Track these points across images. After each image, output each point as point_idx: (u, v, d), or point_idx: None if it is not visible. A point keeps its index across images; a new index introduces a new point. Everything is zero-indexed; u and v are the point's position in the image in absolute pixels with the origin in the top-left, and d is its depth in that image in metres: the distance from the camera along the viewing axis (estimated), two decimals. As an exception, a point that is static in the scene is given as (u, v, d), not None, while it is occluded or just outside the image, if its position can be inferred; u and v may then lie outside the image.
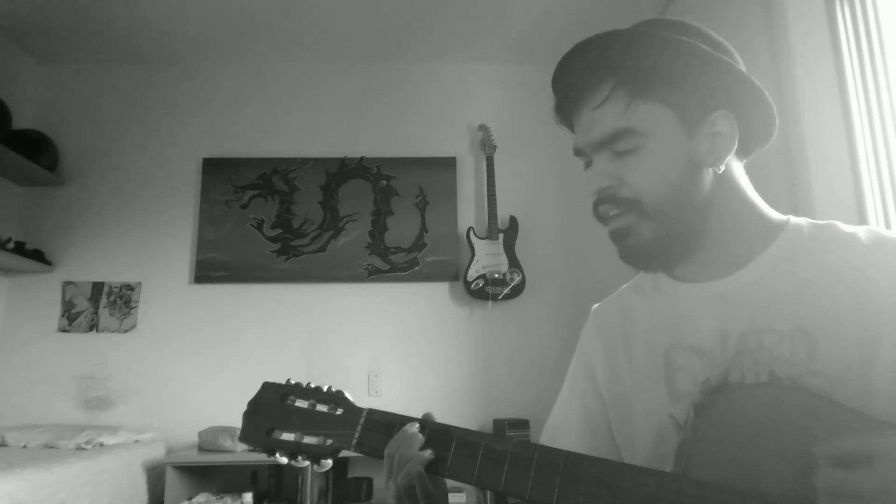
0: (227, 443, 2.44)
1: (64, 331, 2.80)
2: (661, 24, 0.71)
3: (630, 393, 0.74)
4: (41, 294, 2.83)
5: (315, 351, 2.82)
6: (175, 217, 2.94)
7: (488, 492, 2.50)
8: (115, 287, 2.85)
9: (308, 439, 0.69)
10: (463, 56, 3.11)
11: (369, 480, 2.51)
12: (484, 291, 2.79)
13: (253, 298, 2.86)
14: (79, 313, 2.82)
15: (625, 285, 0.83)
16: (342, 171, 3.01)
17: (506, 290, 2.81)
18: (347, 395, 0.72)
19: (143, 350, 2.79)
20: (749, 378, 0.62)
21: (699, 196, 0.67)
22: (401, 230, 2.95)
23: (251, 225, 2.92)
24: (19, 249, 2.67)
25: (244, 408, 0.73)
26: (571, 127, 0.75)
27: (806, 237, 0.68)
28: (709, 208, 0.68)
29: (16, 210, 2.91)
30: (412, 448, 0.63)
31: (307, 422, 0.70)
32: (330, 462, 0.69)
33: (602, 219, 0.72)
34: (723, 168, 0.68)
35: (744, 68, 0.69)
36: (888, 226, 1.57)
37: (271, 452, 0.69)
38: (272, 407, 0.72)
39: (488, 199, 2.92)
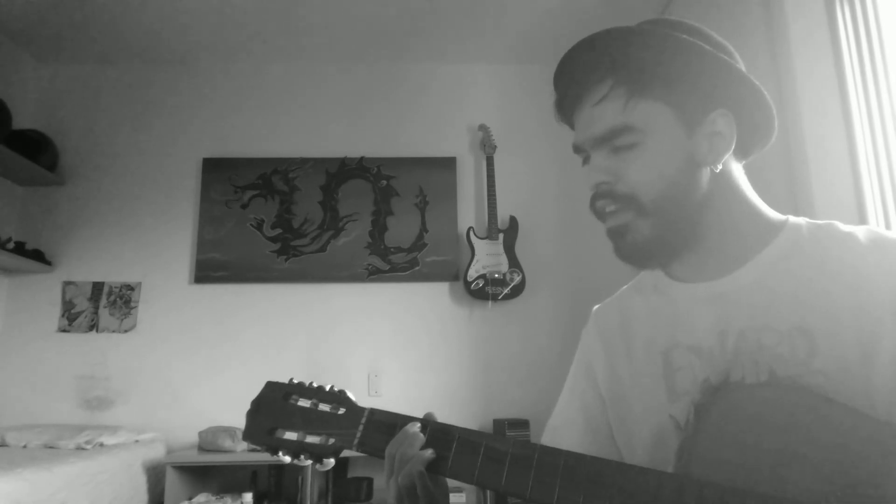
0: (227, 443, 2.44)
1: (64, 331, 2.80)
2: (662, 23, 0.71)
3: (629, 393, 0.74)
4: (41, 294, 2.83)
5: (315, 351, 2.82)
6: (175, 217, 2.94)
7: (488, 491, 2.50)
8: (115, 287, 2.85)
9: (311, 438, 0.69)
10: (463, 56, 3.11)
11: (369, 480, 2.51)
12: (484, 291, 2.79)
13: (253, 298, 2.87)
14: (79, 313, 2.82)
15: (625, 286, 0.83)
16: (342, 171, 3.01)
17: (506, 290, 2.81)
18: (349, 394, 0.72)
19: (143, 350, 2.79)
20: (749, 378, 0.63)
21: (697, 194, 0.67)
22: (401, 230, 2.95)
23: (251, 225, 2.93)
24: (19, 249, 2.67)
25: (244, 408, 0.73)
26: (572, 124, 0.75)
27: (805, 237, 0.68)
28: (706, 206, 0.68)
29: (16, 210, 2.91)
30: (413, 448, 0.63)
31: (310, 421, 0.70)
32: (332, 461, 0.69)
33: (599, 214, 0.72)
34: (720, 167, 0.68)
35: (744, 69, 0.69)
36: (888, 226, 1.58)
37: (274, 451, 0.69)
38: (275, 406, 0.72)
39: (488, 199, 2.92)
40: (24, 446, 2.28)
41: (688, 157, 0.67)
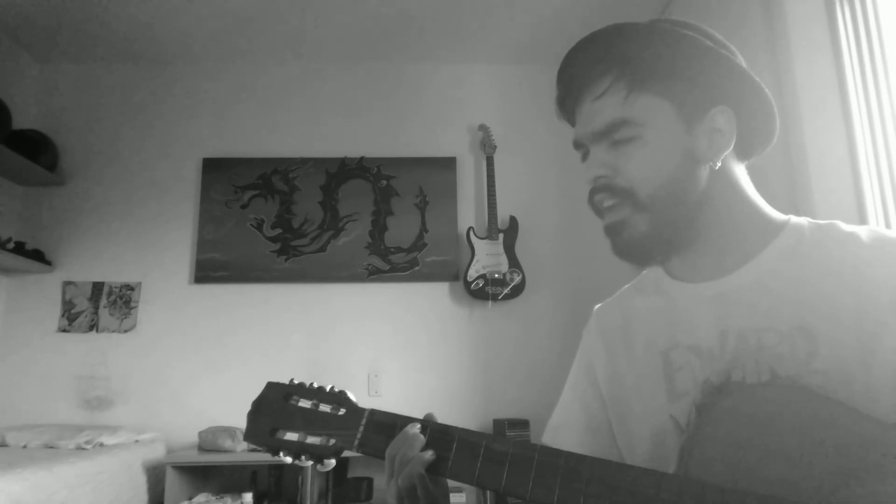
0: (227, 443, 2.44)
1: (64, 331, 2.80)
2: (665, 21, 0.71)
3: (630, 393, 0.74)
4: (41, 294, 2.83)
5: (315, 351, 2.82)
6: (175, 217, 2.94)
7: (489, 492, 2.50)
8: (115, 287, 2.85)
9: (311, 439, 0.69)
10: (463, 56, 3.11)
11: (369, 480, 2.51)
12: (484, 291, 2.79)
13: (253, 298, 2.87)
14: (79, 313, 2.82)
15: (627, 286, 0.83)
16: (342, 171, 3.01)
17: (506, 290, 2.81)
18: (350, 395, 0.72)
19: (143, 350, 2.79)
20: (750, 378, 0.62)
21: (695, 190, 0.67)
22: (401, 230, 2.95)
23: (251, 225, 2.92)
24: (19, 249, 2.67)
25: (244, 407, 0.73)
26: (573, 122, 0.75)
27: (806, 237, 0.68)
28: (705, 204, 0.68)
29: (16, 210, 2.91)
30: (413, 449, 0.63)
31: (310, 422, 0.70)
32: (333, 462, 0.69)
33: (597, 209, 0.72)
34: (720, 164, 0.68)
35: (746, 66, 0.69)
36: (888, 226, 1.58)
37: (275, 452, 0.69)
38: (276, 407, 0.72)
39: (488, 199, 2.92)
40: (24, 446, 2.28)
41: (687, 152, 0.67)
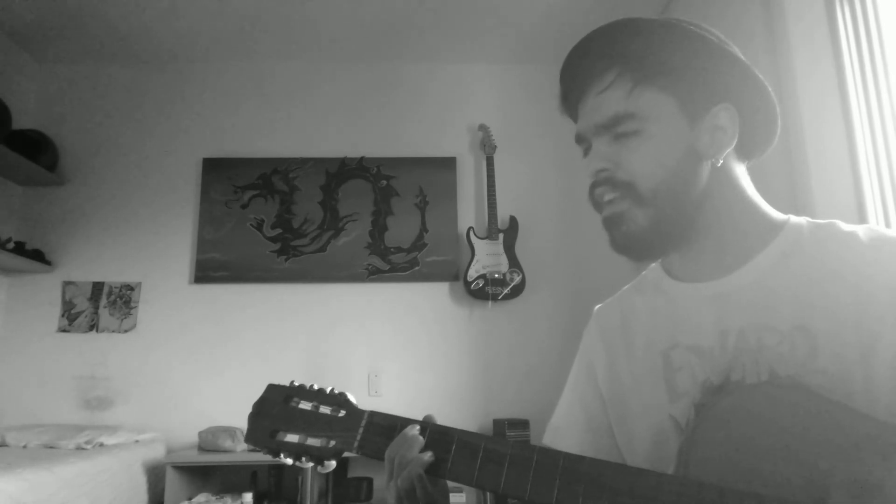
0: (227, 443, 2.44)
1: (64, 331, 2.80)
2: (671, 18, 0.71)
3: (630, 393, 0.74)
4: (41, 294, 2.83)
5: (315, 351, 2.82)
6: (175, 217, 2.94)
7: (488, 493, 2.50)
8: (115, 287, 2.85)
9: (312, 441, 0.69)
10: (463, 56, 3.11)
11: (369, 480, 2.51)
12: (484, 291, 2.79)
13: (253, 298, 2.87)
14: (79, 313, 2.82)
15: (627, 286, 0.83)
16: (342, 171, 3.01)
17: (506, 290, 2.81)
18: (350, 396, 0.72)
19: (143, 350, 2.79)
20: (750, 377, 0.62)
21: (696, 187, 0.67)
22: (401, 230, 2.95)
23: (251, 225, 2.93)
24: (19, 249, 2.67)
25: (244, 408, 0.73)
26: (575, 118, 0.75)
27: (806, 236, 0.68)
28: (705, 201, 0.68)
29: (16, 210, 2.91)
30: (412, 450, 0.63)
31: (311, 424, 0.70)
32: (333, 463, 0.69)
33: (597, 204, 0.72)
34: (721, 162, 0.68)
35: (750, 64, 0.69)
36: (888, 225, 1.58)
37: (276, 454, 0.70)
38: (276, 409, 0.72)
39: (488, 199, 2.92)
40: (24, 446, 2.28)
41: (689, 148, 0.67)
